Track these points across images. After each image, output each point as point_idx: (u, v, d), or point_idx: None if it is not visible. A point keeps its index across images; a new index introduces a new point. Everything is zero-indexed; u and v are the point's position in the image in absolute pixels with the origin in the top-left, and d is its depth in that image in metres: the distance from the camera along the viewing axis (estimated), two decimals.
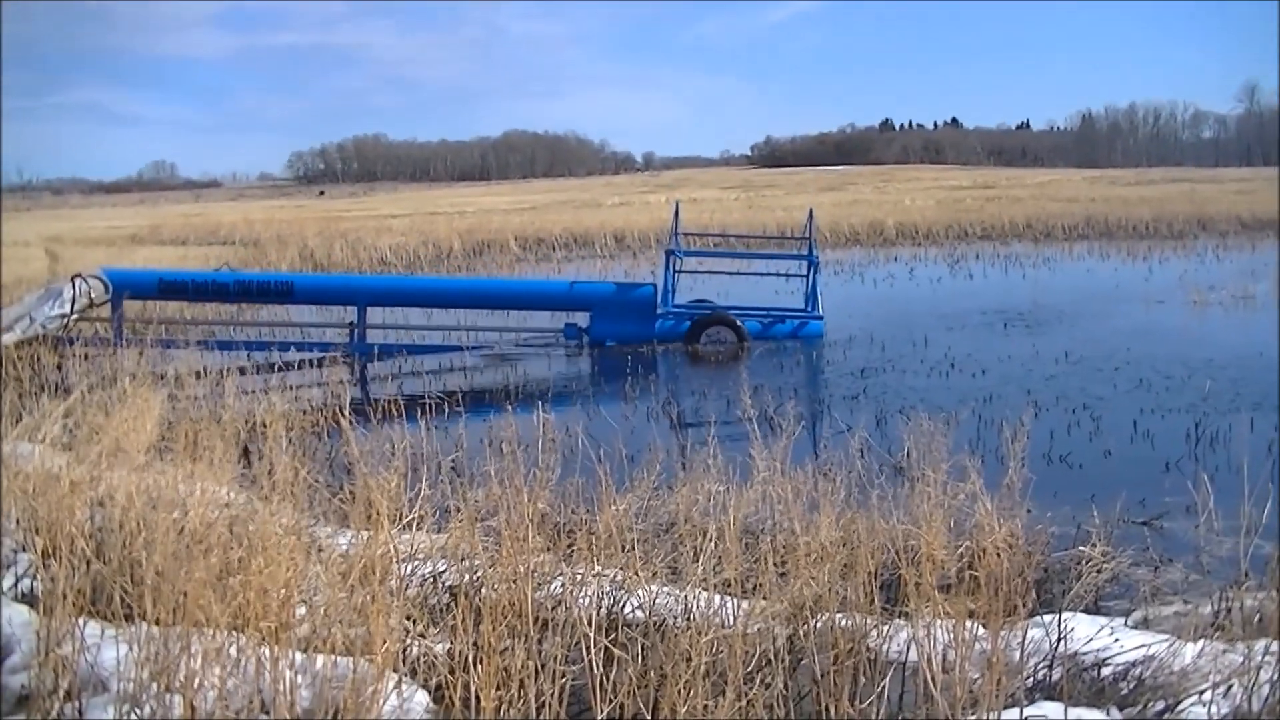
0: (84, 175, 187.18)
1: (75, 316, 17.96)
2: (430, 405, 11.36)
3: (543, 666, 5.06)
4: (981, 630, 5.37)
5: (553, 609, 5.73)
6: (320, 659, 5.09)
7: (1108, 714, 5.09)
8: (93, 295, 18.43)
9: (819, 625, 5.61)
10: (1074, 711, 5.03)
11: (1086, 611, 6.36)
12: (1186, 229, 41.75)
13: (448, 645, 5.47)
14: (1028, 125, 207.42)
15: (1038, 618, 5.79)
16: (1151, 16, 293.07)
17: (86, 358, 15.23)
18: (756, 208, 56.51)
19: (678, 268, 20.57)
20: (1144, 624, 6.28)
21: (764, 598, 5.85)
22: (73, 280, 18.15)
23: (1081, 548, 7.32)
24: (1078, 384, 14.69)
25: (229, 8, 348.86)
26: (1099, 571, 7.03)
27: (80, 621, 5.40)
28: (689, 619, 5.52)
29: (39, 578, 6.18)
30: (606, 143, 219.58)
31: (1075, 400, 13.56)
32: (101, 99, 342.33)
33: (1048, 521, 7.41)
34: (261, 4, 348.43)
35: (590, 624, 5.30)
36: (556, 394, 15.09)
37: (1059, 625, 5.58)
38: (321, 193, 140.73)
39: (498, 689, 4.90)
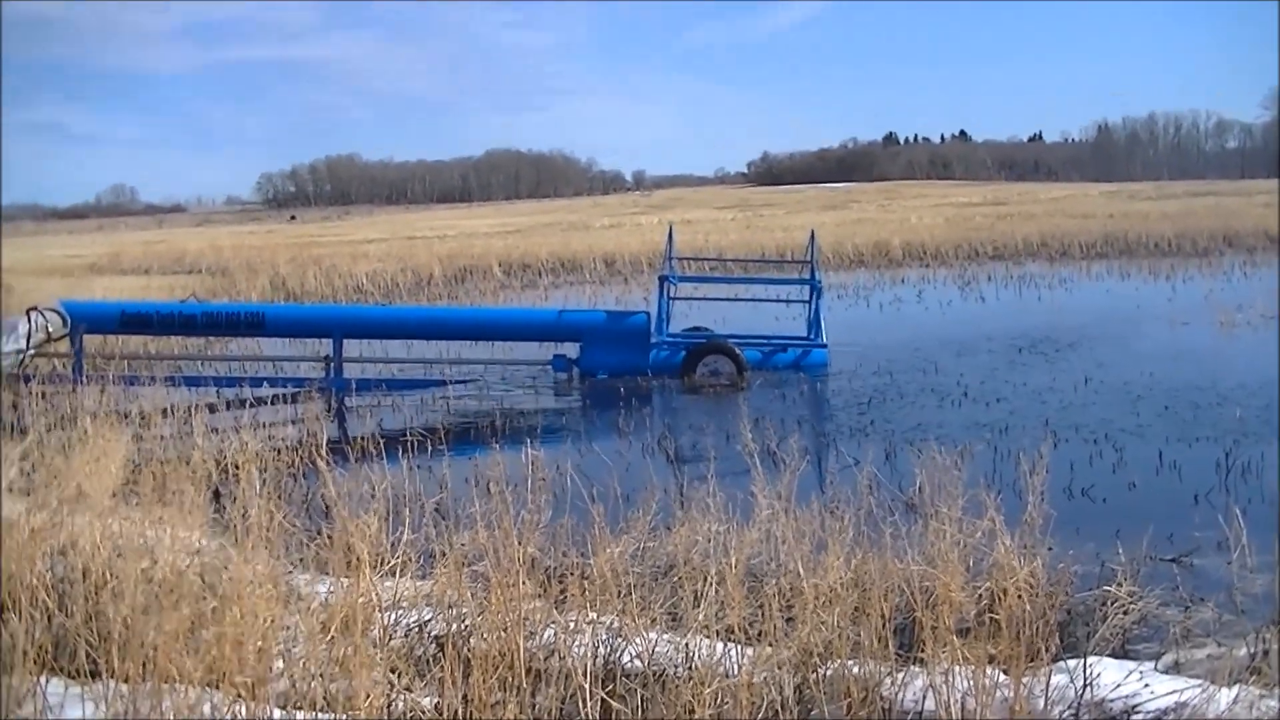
0: (38, 200, 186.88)
1: (31, 352, 17.90)
2: (412, 443, 11.35)
3: None
4: (1002, 676, 5.37)
5: (546, 659, 5.72)
6: (300, 715, 5.08)
7: None
8: (50, 329, 18.36)
9: (829, 673, 5.61)
10: None
11: (1114, 655, 6.35)
12: (1211, 245, 41.74)
13: (435, 699, 5.46)
14: (1040, 137, 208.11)
15: (1062, 663, 5.78)
16: (1171, 20, 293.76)
17: (44, 396, 15.16)
18: (754, 228, 56.62)
19: (672, 294, 20.55)
20: (1175, 668, 6.27)
21: (770, 644, 5.84)
22: (28, 313, 18.10)
23: (1107, 587, 7.30)
24: (1099, 412, 14.69)
25: (194, 20, 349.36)
26: (1126, 612, 7.02)
27: (42, 679, 5.38)
28: (690, 668, 5.51)
29: None
30: (594, 161, 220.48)
31: (1096, 430, 13.54)
32: (58, 117, 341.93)
33: (1070, 560, 7.40)
34: (228, 15, 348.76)
35: (586, 675, 5.30)
36: (546, 430, 15.07)
37: (1085, 670, 5.57)
38: (293, 217, 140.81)
39: None
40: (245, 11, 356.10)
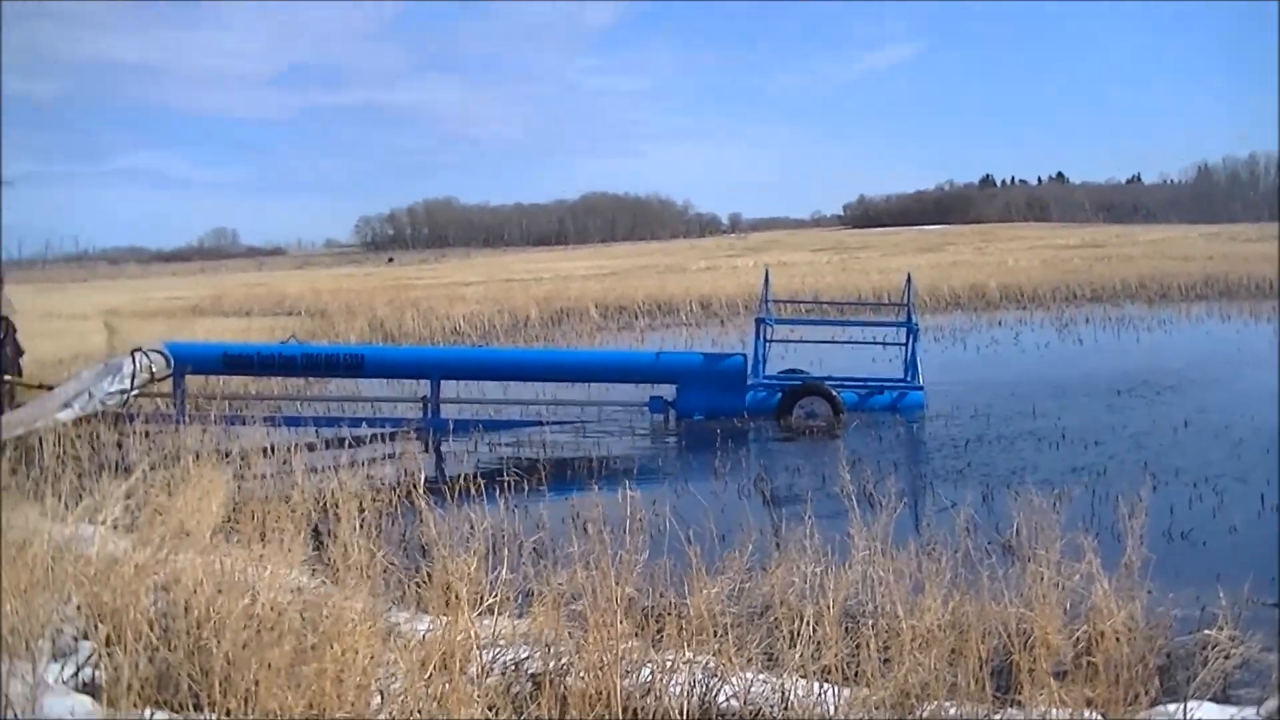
0: (142, 244, 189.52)
1: (135, 392, 18.13)
2: (509, 483, 11.41)
3: None
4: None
5: (642, 698, 5.74)
6: None
7: None
8: (154, 369, 18.59)
9: (926, 714, 5.59)
10: None
11: (1214, 700, 6.29)
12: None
13: None
14: (1139, 179, 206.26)
15: (1161, 707, 5.74)
16: (1270, 59, 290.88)
17: (148, 435, 15.37)
18: (850, 271, 56.46)
19: (769, 336, 20.51)
20: (1276, 714, 6.20)
21: (866, 685, 5.83)
22: (132, 354, 18.35)
23: (1207, 631, 7.23)
24: (1199, 455, 14.54)
25: (283, 67, 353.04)
26: (1227, 657, 6.94)
27: (146, 712, 5.46)
28: (786, 708, 5.51)
29: (102, 666, 6.24)
30: (690, 204, 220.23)
31: (1197, 473, 13.40)
32: (154, 163, 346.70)
33: (1170, 603, 7.33)
34: (317, 63, 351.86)
35: (682, 714, 5.32)
36: (642, 471, 15.09)
37: (1184, 715, 5.53)
38: (390, 259, 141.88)
39: None
40: (336, 59, 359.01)
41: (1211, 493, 12.47)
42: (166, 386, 18.99)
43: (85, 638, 6.83)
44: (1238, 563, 8.84)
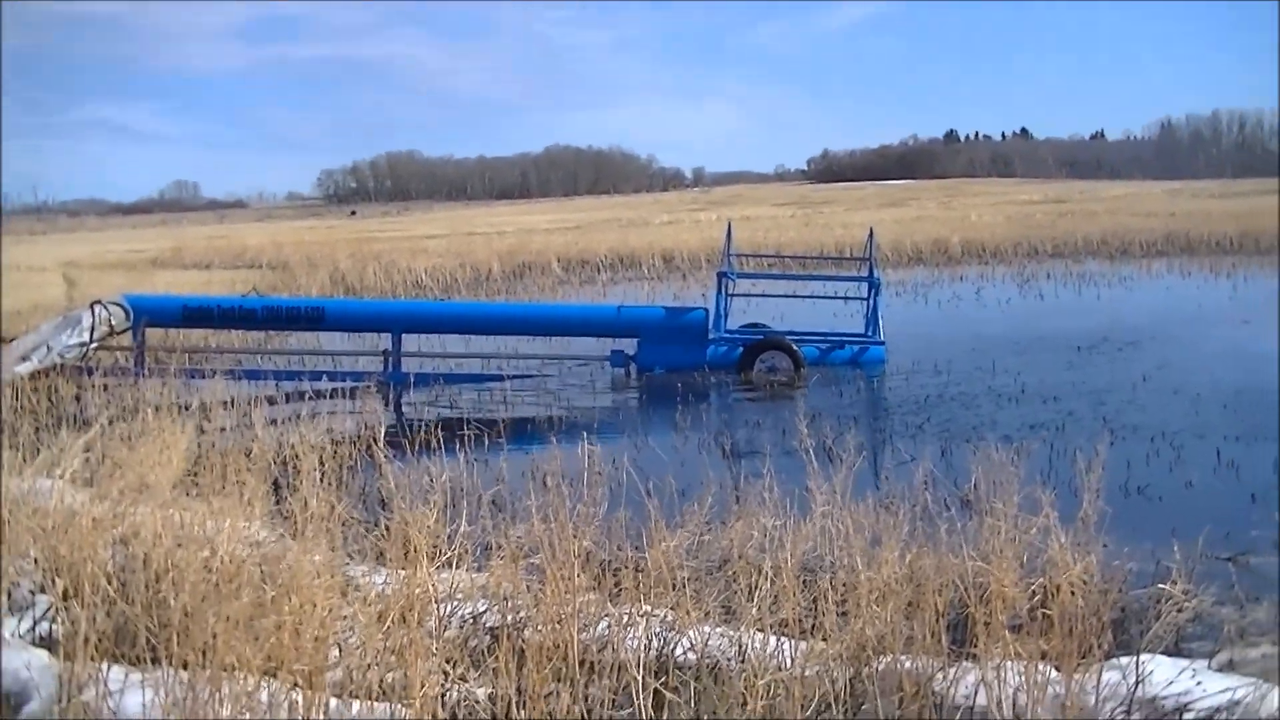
0: (102, 196, 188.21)
1: (94, 345, 18.06)
2: (469, 437, 11.41)
3: (589, 711, 5.10)
4: (1055, 673, 5.37)
5: (599, 651, 5.75)
6: (356, 704, 5.13)
7: None
8: (113, 322, 18.51)
9: (882, 667, 5.62)
10: None
11: (1166, 653, 6.33)
12: (1274, 244, 41.40)
13: (489, 689, 5.50)
14: (1102, 135, 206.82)
15: (1114, 660, 5.77)
16: (1235, 16, 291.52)
17: (106, 388, 15.34)
18: (813, 226, 56.43)
19: (730, 290, 20.55)
20: (1229, 666, 6.26)
21: (823, 638, 5.86)
22: (91, 307, 18.28)
23: (1161, 585, 7.28)
24: (1157, 412, 14.62)
25: (250, 19, 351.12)
26: (1180, 610, 6.99)
27: (103, 665, 5.45)
28: (744, 661, 5.54)
29: (59, 620, 6.24)
30: (654, 158, 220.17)
31: (1154, 428, 13.47)
32: (117, 115, 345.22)
33: (1125, 557, 7.39)
34: (283, 15, 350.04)
35: (639, 666, 5.33)
36: (602, 425, 15.09)
37: (1137, 668, 5.57)
38: (353, 212, 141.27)
39: None
40: (299, 11, 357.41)
41: (1169, 448, 12.53)
42: (126, 340, 18.91)
43: (42, 591, 6.82)
44: (1193, 518, 8.90)
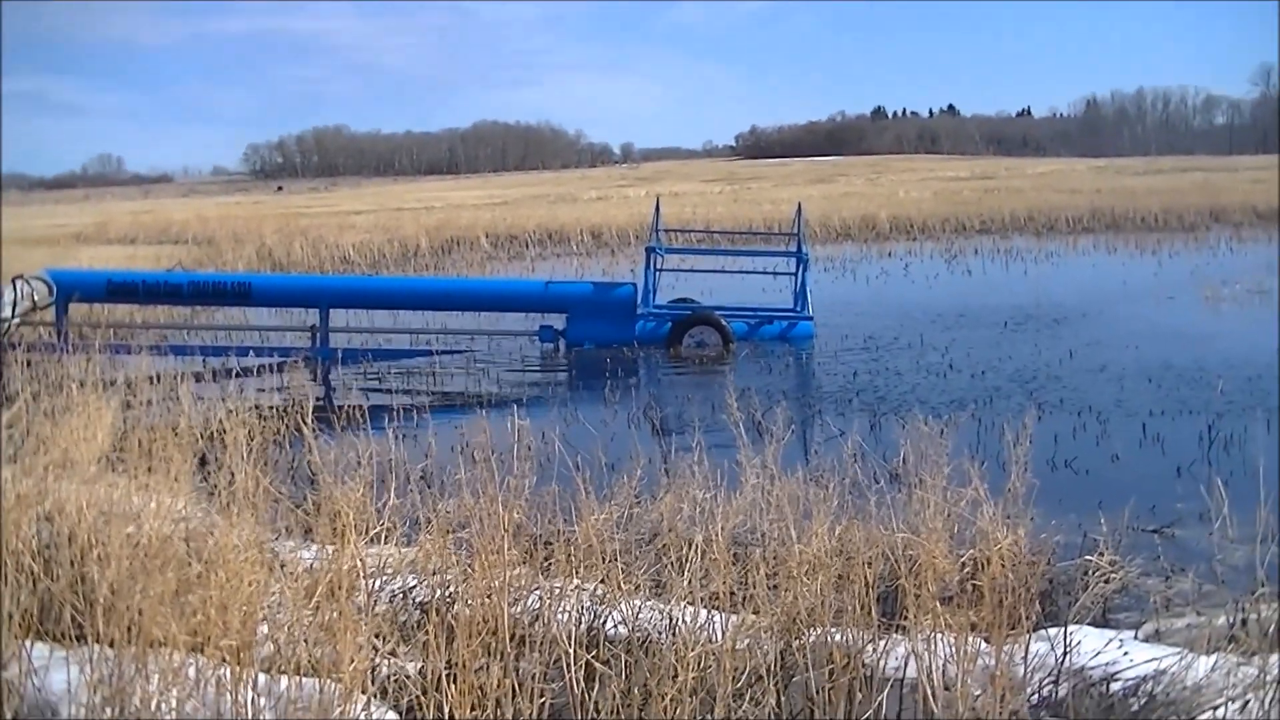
0: (23, 170, 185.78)
1: (17, 321, 17.86)
2: (398, 411, 11.36)
3: (520, 685, 5.08)
4: (984, 644, 5.40)
5: (530, 625, 5.74)
6: (284, 680, 5.09)
7: None
8: (35, 298, 18.32)
9: (812, 640, 5.63)
10: None
11: (1094, 624, 6.38)
12: (1198, 221, 41.86)
13: (419, 664, 5.48)
14: (1029, 112, 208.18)
15: (1043, 631, 5.81)
16: None
17: (29, 364, 15.16)
18: (742, 201, 56.57)
19: (659, 266, 20.52)
20: (1155, 637, 6.31)
21: (754, 611, 5.86)
22: (13, 282, 18.06)
23: (1089, 557, 7.34)
24: (1083, 385, 14.74)
25: None
26: (1107, 582, 7.06)
27: (27, 643, 5.39)
28: (674, 634, 5.53)
29: None
30: (582, 134, 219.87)
31: (1081, 402, 13.59)
32: (40, 87, 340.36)
33: (1053, 530, 7.43)
34: None
35: (570, 640, 5.33)
36: (532, 399, 15.08)
37: (1065, 639, 5.60)
38: (279, 188, 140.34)
39: (472, 709, 4.91)
40: None
41: (1095, 422, 12.63)
42: (49, 315, 18.72)
43: None
44: (1119, 490, 8.98)
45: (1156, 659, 5.52)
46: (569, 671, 5.24)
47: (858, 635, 5.61)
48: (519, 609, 5.88)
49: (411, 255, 36.88)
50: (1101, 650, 5.65)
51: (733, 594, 6.00)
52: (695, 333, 18.81)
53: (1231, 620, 6.24)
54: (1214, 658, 5.47)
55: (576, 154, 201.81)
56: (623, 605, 6.00)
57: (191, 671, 4.94)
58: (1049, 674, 5.47)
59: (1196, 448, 11.37)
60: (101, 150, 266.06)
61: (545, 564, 6.52)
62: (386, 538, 6.96)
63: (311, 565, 6.32)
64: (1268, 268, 26.27)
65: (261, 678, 5.07)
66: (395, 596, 6.39)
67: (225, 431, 9.21)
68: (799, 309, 19.85)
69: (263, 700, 4.96)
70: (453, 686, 5.03)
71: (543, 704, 5.04)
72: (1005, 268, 30.87)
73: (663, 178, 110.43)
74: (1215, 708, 5.10)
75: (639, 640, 5.66)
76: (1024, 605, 5.64)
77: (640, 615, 5.90)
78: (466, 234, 40.91)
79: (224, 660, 5.01)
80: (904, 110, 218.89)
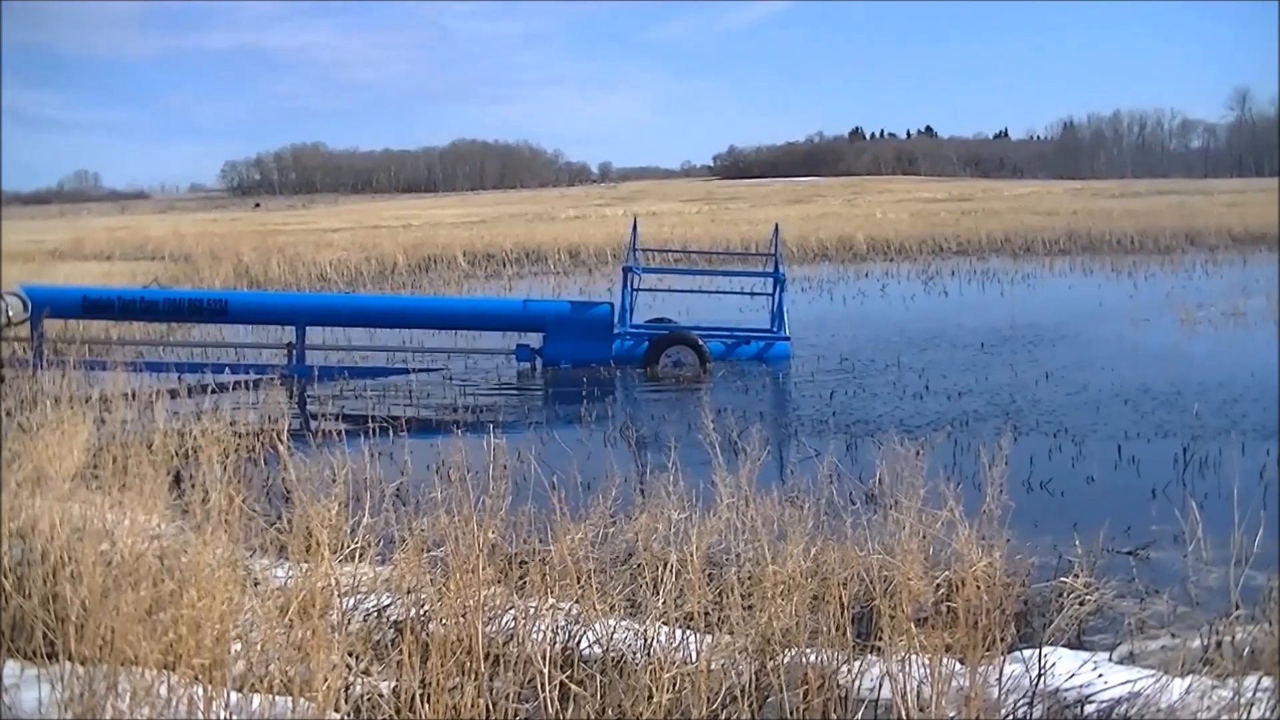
0: None
1: None
2: (373, 429, 11.34)
3: (494, 705, 5.07)
4: (959, 666, 5.39)
5: (504, 644, 5.73)
6: (257, 699, 5.08)
7: None
8: (10, 314, 18.27)
9: (787, 660, 5.63)
10: None
11: (1069, 646, 6.40)
12: (1174, 243, 42.00)
13: (393, 683, 5.46)
14: (1006, 134, 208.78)
15: (1017, 652, 5.81)
16: (1137, 20, 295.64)
17: (4, 380, 15.13)
18: (720, 221, 56.60)
19: (636, 285, 20.55)
20: (1129, 659, 6.32)
21: (729, 632, 5.86)
22: None
23: (1063, 579, 7.36)
24: (1059, 406, 14.78)
25: (153, 7, 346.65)
26: (1082, 603, 7.07)
27: None
28: (649, 654, 5.52)
29: None
30: (561, 153, 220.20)
31: (1056, 424, 13.62)
32: (16, 101, 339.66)
33: (1028, 551, 7.43)
34: (188, 4, 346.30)
35: (545, 660, 5.31)
36: (508, 418, 15.07)
37: (1040, 660, 5.61)
38: (257, 205, 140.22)
39: None
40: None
41: (1071, 444, 12.65)
42: (24, 331, 18.67)
43: None
44: (1094, 512, 8.98)
45: (1131, 681, 5.52)
46: (543, 691, 5.22)
47: (833, 656, 5.60)
48: (494, 628, 5.86)
49: (389, 273, 36.87)
50: (1076, 672, 5.66)
51: (708, 614, 5.99)
52: (672, 352, 18.83)
53: (1206, 642, 6.26)
54: (1189, 680, 5.47)
55: (555, 173, 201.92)
56: (598, 625, 5.99)
57: (163, 689, 4.92)
58: (1024, 695, 5.47)
59: (1172, 470, 11.39)
60: (79, 166, 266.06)
61: (520, 583, 6.49)
62: (361, 556, 6.94)
63: (285, 583, 6.30)
64: (1242, 289, 26.35)
65: (234, 696, 5.06)
66: (369, 615, 6.37)
67: (200, 449, 9.17)
68: (776, 329, 19.86)
69: (235, 718, 4.94)
70: (426, 706, 5.02)
71: None
72: (982, 289, 30.95)
73: (641, 197, 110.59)
74: None
75: (614, 660, 5.65)
76: (999, 627, 5.64)
77: (615, 635, 5.89)
78: (444, 252, 40.90)
79: (196, 678, 4.99)
80: (882, 131, 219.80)
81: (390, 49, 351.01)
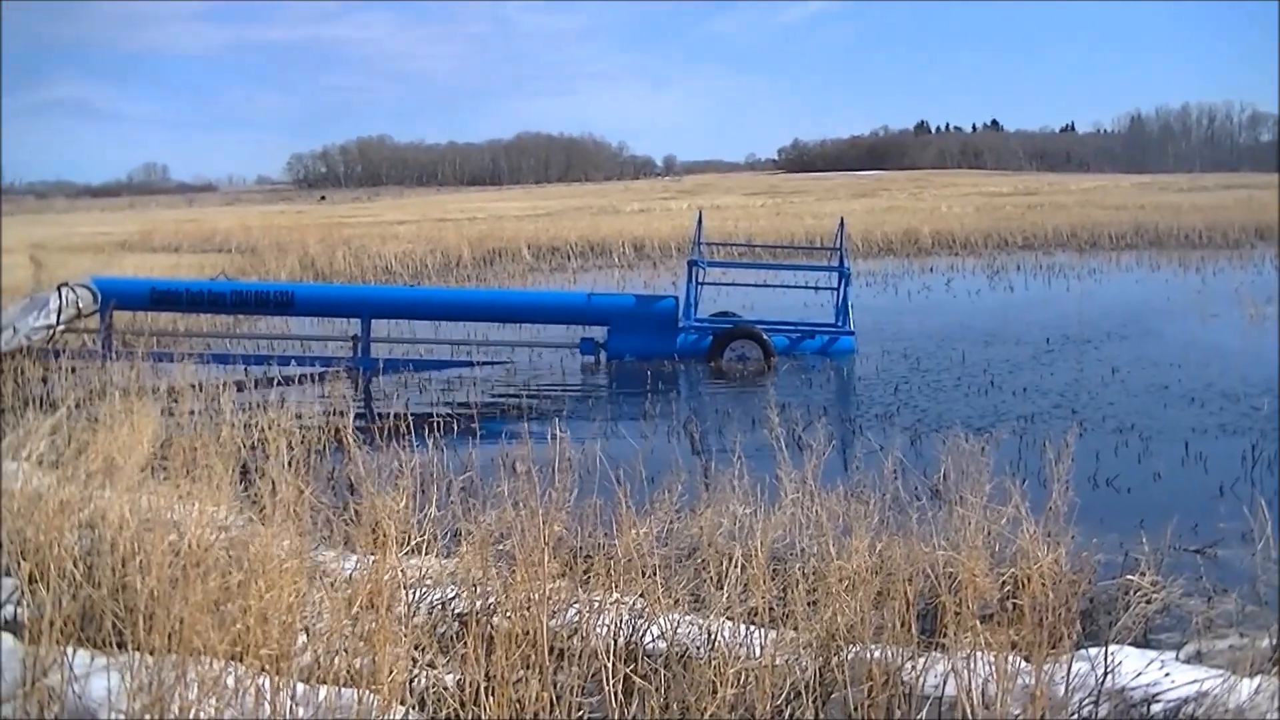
0: (70, 178, 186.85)
1: (62, 328, 17.97)
2: (439, 423, 11.37)
3: (558, 699, 5.08)
4: (1024, 663, 5.37)
5: (569, 638, 5.74)
6: (323, 690, 5.10)
7: None
8: (80, 305, 18.42)
9: (851, 657, 5.61)
10: None
11: (1135, 644, 6.35)
12: (1243, 237, 41.52)
13: (457, 676, 5.48)
14: (1072, 128, 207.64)
15: (1083, 650, 5.77)
16: (1204, 13, 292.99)
17: (74, 371, 15.26)
18: (784, 215, 56.45)
19: (700, 279, 20.49)
20: (1197, 658, 6.27)
21: (793, 627, 5.85)
22: (59, 289, 18.19)
23: (1130, 576, 7.30)
24: (1126, 403, 14.67)
25: (215, 6, 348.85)
26: (1148, 602, 7.02)
27: (69, 649, 5.42)
28: (713, 649, 5.52)
29: (24, 603, 6.18)
30: (625, 145, 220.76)
31: (1123, 420, 13.52)
32: (86, 95, 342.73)
33: (1094, 548, 7.37)
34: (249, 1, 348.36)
35: (608, 654, 5.32)
36: (572, 412, 15.08)
37: (1106, 659, 5.57)
38: (323, 197, 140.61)
39: None
40: None
41: (1137, 440, 12.57)
42: (93, 322, 18.84)
43: (8, 575, 6.76)
44: (1161, 509, 8.89)
45: (1198, 680, 5.48)
46: (607, 685, 5.23)
47: (897, 652, 5.59)
48: (558, 622, 5.87)
49: (454, 266, 36.90)
50: (1143, 671, 5.62)
51: (772, 610, 5.99)
52: (736, 346, 18.80)
53: (1275, 642, 6.20)
54: (1257, 680, 5.43)
55: (619, 166, 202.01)
56: (661, 619, 5.99)
57: (230, 680, 4.96)
58: (1089, 694, 5.44)
59: (1239, 467, 11.28)
60: (147, 159, 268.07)
61: (585, 577, 6.50)
62: (427, 549, 6.98)
63: (351, 575, 6.34)
64: None
65: (300, 687, 5.09)
66: (434, 608, 6.40)
67: (267, 441, 9.23)
68: (840, 323, 19.78)
69: (301, 710, 4.97)
70: (491, 699, 5.04)
71: (580, 717, 5.04)
72: (1048, 284, 30.72)
73: (705, 190, 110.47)
74: None
75: (677, 655, 5.65)
76: (1064, 624, 5.62)
77: (679, 630, 5.89)
78: (509, 245, 40.92)
79: (263, 669, 5.03)
80: (947, 125, 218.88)
81: (449, 41, 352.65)
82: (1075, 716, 5.35)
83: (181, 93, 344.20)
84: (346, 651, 5.36)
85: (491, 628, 5.71)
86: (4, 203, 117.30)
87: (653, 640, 5.93)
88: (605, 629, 5.77)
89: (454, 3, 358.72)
